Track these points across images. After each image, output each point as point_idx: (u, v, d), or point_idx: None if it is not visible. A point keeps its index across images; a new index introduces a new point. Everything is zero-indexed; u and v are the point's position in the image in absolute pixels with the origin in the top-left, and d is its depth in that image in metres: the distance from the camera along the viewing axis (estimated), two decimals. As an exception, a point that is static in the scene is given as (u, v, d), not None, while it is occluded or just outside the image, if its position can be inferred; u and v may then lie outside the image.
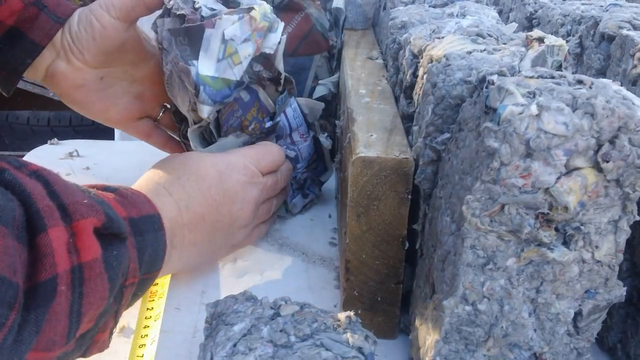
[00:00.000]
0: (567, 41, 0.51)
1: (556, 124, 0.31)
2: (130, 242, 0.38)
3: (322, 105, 0.61)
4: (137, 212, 0.41)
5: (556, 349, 0.37)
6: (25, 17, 0.52)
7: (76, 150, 0.77)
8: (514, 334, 0.36)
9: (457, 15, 0.51)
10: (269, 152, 0.56)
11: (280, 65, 0.54)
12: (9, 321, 0.29)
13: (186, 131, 0.56)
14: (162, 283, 0.53)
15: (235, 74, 0.51)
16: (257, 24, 0.50)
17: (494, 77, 0.35)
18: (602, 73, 0.46)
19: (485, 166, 0.33)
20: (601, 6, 0.52)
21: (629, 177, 0.32)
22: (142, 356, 0.44)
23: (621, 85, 0.42)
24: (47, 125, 1.75)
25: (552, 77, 0.35)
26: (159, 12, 0.53)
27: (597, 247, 0.34)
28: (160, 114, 0.63)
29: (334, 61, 0.68)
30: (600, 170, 0.32)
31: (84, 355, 0.38)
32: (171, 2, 0.50)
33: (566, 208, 0.33)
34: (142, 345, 0.46)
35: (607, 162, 0.32)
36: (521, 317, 0.36)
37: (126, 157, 0.77)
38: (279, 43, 0.52)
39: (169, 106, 0.62)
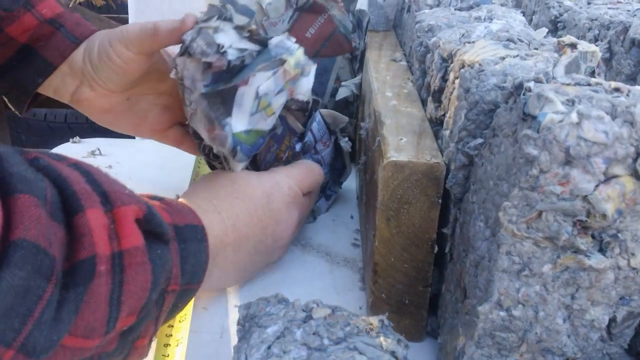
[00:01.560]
0: (596, 46, 0.51)
1: (596, 132, 0.31)
2: (174, 246, 0.38)
3: (345, 119, 0.60)
4: (182, 221, 0.41)
5: (589, 355, 0.37)
6: (39, 35, 0.52)
7: (98, 149, 0.78)
8: (548, 339, 0.36)
9: (484, 19, 0.51)
10: (311, 173, 0.56)
11: (309, 94, 0.52)
12: (46, 294, 0.29)
13: (208, 150, 0.53)
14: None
15: (269, 124, 0.50)
16: (291, 75, 0.48)
17: (531, 84, 0.35)
18: (632, 79, 0.45)
19: (523, 173, 0.33)
20: (628, 11, 0.52)
21: (668, 185, 0.32)
22: (167, 355, 0.45)
23: (653, 91, 0.42)
24: (64, 122, 1.74)
25: (589, 85, 0.35)
26: None
27: (633, 254, 0.34)
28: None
29: (357, 63, 0.68)
30: (638, 178, 0.32)
31: None
32: (193, 45, 0.46)
33: (604, 215, 0.33)
34: (167, 344, 0.46)
35: (646, 170, 0.32)
36: (555, 323, 0.36)
37: (148, 155, 0.78)
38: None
39: None
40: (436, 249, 0.45)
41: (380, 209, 0.44)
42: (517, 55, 0.40)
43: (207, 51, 0.46)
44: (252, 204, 0.50)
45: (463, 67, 0.42)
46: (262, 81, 0.47)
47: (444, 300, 0.45)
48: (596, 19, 0.52)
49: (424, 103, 0.52)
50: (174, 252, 0.38)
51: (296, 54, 0.48)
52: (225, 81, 0.47)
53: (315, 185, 0.57)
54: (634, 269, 0.34)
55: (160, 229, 0.37)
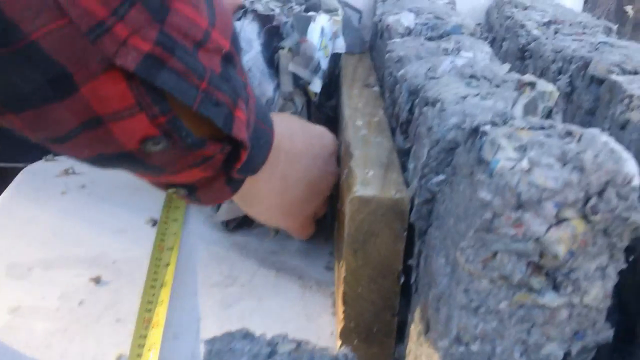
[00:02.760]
0: (558, 79, 0.52)
1: (547, 179, 0.32)
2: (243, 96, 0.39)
3: None
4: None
5: (545, 388, 0.38)
6: None
7: (72, 168, 0.78)
8: (505, 373, 0.37)
9: (452, 51, 0.53)
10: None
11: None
12: None
13: None
14: (157, 312, 0.54)
15: (325, 64, 0.60)
16: (338, 23, 0.61)
17: (487, 127, 0.36)
18: (591, 114, 0.47)
19: (478, 216, 0.34)
20: (591, 43, 0.53)
21: (617, 228, 0.33)
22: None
23: (610, 129, 0.44)
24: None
25: (543, 128, 0.36)
26: None
27: (585, 292, 0.35)
28: None
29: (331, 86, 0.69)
30: (589, 221, 0.33)
31: (225, 124, 0.37)
32: (254, 5, 0.59)
33: (556, 257, 0.34)
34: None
35: (596, 214, 0.33)
36: (513, 357, 0.37)
37: (123, 175, 0.77)
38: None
39: None
40: (402, 279, 0.46)
41: (347, 241, 0.45)
42: (477, 94, 0.42)
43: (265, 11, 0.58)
44: (308, 132, 0.52)
45: (426, 104, 0.43)
46: (324, 21, 0.58)
47: (409, 331, 0.46)
48: (560, 51, 0.54)
49: (393, 132, 0.53)
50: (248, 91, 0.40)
51: (339, 12, 0.62)
52: (277, 40, 0.58)
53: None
54: (586, 306, 0.36)
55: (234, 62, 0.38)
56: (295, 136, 0.50)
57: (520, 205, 0.33)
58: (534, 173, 0.32)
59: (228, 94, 0.36)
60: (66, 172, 0.78)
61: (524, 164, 0.32)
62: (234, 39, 0.38)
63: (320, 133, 0.55)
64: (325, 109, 0.66)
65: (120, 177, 0.78)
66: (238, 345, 0.41)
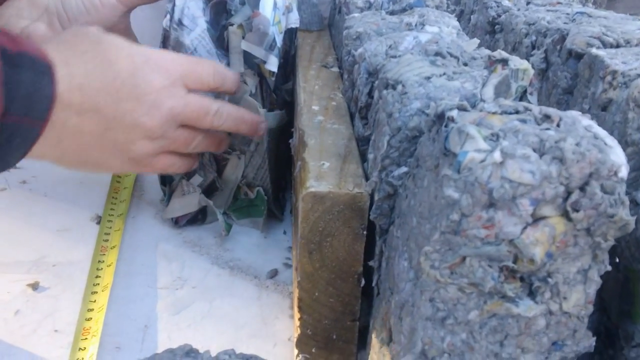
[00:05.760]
0: (531, 54, 0.47)
1: (522, 172, 0.28)
2: None
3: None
4: (16, 47, 0.36)
5: (522, 403, 0.34)
6: None
7: (12, 162, 0.71)
8: (477, 390, 0.33)
9: (415, 26, 0.48)
10: (200, 66, 0.48)
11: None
12: None
13: None
14: (96, 319, 0.49)
15: (279, 41, 0.55)
16: (287, 2, 0.56)
17: (454, 113, 0.31)
18: (569, 92, 0.43)
19: (444, 216, 0.30)
20: (567, 14, 0.49)
21: (601, 226, 0.29)
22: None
23: (590, 110, 0.40)
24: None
25: (517, 112, 0.32)
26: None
27: (565, 298, 0.31)
28: None
29: (287, 66, 0.63)
30: (569, 219, 0.29)
31: None
32: None
33: (532, 260, 0.30)
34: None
35: (577, 211, 0.29)
36: (484, 372, 0.33)
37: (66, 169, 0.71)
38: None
39: None
40: (363, 282, 0.41)
41: (301, 242, 0.40)
42: (443, 74, 0.37)
43: None
44: (112, 71, 0.42)
45: (386, 87, 0.38)
46: None
47: (371, 339, 0.41)
48: (533, 24, 0.49)
49: (352, 117, 0.48)
50: None
51: None
52: (225, 16, 0.54)
53: (204, 84, 0.48)
54: (566, 313, 0.32)
55: None
56: (89, 84, 0.41)
57: (491, 204, 0.28)
58: (508, 166, 0.28)
59: None
60: (5, 164, 0.71)
61: (496, 156, 0.28)
62: None
63: (146, 61, 0.44)
64: (281, 93, 0.60)
65: (64, 172, 0.72)
66: (178, 364, 0.36)
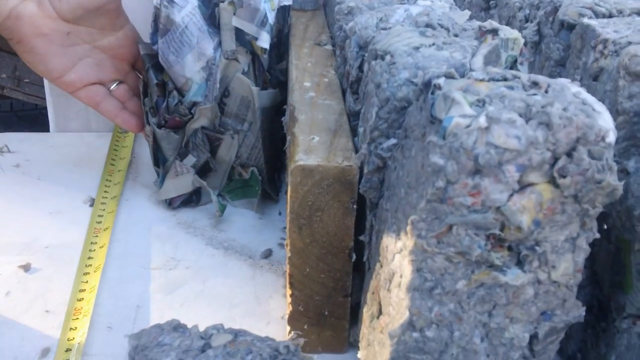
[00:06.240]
0: (525, 28, 0.47)
1: (507, 138, 0.27)
2: None
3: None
4: None
5: (511, 374, 0.34)
6: None
7: (6, 146, 0.71)
8: (466, 360, 0.33)
9: (408, 0, 0.47)
10: None
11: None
12: None
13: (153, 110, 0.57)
14: (88, 299, 0.48)
15: (270, 19, 0.54)
16: None
17: (441, 81, 0.31)
18: (561, 64, 0.42)
19: (430, 184, 0.29)
20: (561, -12, 0.48)
21: (588, 192, 0.29)
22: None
23: (581, 80, 0.39)
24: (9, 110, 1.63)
25: (505, 79, 0.31)
26: None
27: (553, 267, 0.31)
28: (114, 86, 0.60)
29: (280, 47, 0.63)
30: (557, 185, 0.29)
31: None
32: None
33: (519, 228, 0.29)
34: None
35: (565, 177, 0.28)
36: (473, 342, 0.33)
37: (61, 151, 0.71)
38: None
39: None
40: (354, 257, 0.41)
41: (291, 217, 0.39)
42: (432, 45, 0.36)
43: None
44: None
45: (375, 58, 0.37)
46: None
47: (362, 313, 0.41)
48: (527, -2, 0.48)
49: (344, 93, 0.48)
50: None
51: None
52: None
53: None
54: (555, 282, 0.31)
55: None
56: None
57: (477, 170, 0.28)
58: (493, 131, 0.27)
59: None
60: (0, 150, 0.71)
61: (482, 121, 0.27)
62: None
63: None
64: (275, 73, 0.60)
65: (58, 155, 0.72)
66: (167, 339, 0.36)
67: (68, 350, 0.44)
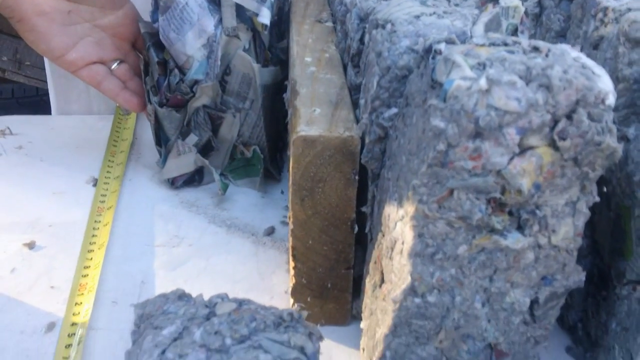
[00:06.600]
0: (526, 0, 0.47)
1: (508, 100, 0.28)
2: None
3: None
4: None
5: (512, 339, 0.34)
6: None
7: (8, 128, 0.71)
8: (467, 325, 0.33)
9: (408, -26, 0.47)
10: None
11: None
12: None
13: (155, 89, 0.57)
14: (93, 276, 0.49)
15: None
16: None
17: (442, 46, 0.31)
18: (562, 35, 0.42)
19: (431, 148, 0.29)
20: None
21: (588, 155, 0.29)
22: (67, 357, 0.41)
23: (582, 50, 0.39)
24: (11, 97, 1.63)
25: (506, 44, 0.31)
26: None
27: (554, 231, 0.31)
28: (114, 65, 0.60)
29: (281, 25, 0.63)
30: (556, 148, 0.29)
31: None
32: None
33: (520, 191, 0.30)
34: (69, 345, 0.42)
35: (564, 139, 0.29)
36: (474, 307, 0.33)
37: (64, 133, 0.72)
38: None
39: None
40: (356, 229, 0.41)
41: (293, 188, 0.40)
42: (433, 13, 0.36)
43: None
44: None
45: (376, 27, 0.38)
46: None
47: (364, 284, 0.42)
48: (528, -28, 0.48)
49: (345, 69, 0.48)
50: None
51: None
52: None
53: None
54: (555, 246, 0.32)
55: None
56: None
57: (478, 133, 0.28)
58: (494, 93, 0.28)
59: None
60: (2, 133, 0.71)
61: (482, 83, 0.27)
62: None
63: None
64: (275, 51, 0.60)
65: (60, 137, 0.72)
66: (172, 307, 0.36)
67: (74, 324, 0.45)
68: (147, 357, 0.32)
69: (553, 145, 0.29)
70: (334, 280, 0.43)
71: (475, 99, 0.28)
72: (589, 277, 0.37)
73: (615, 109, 0.36)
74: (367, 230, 0.41)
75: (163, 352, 0.33)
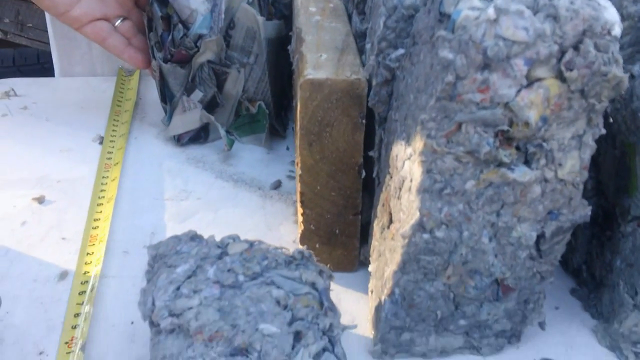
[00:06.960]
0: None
1: (516, 30, 0.28)
2: None
3: None
4: None
5: (518, 274, 0.35)
6: None
7: (12, 90, 0.71)
8: (474, 260, 0.34)
9: None
10: None
11: None
12: None
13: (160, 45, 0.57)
14: (103, 227, 0.50)
15: None
16: None
17: (449, -19, 0.31)
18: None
19: (440, 81, 0.30)
20: None
21: (595, 86, 0.29)
22: (81, 303, 0.42)
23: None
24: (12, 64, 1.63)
25: (513, -21, 0.31)
26: None
27: (560, 164, 0.32)
28: (118, 22, 0.60)
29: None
30: (563, 80, 0.29)
31: None
32: None
33: (527, 124, 0.30)
34: (82, 292, 0.43)
35: (571, 70, 0.29)
36: (481, 242, 0.34)
37: (67, 94, 0.72)
38: None
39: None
40: (364, 174, 0.42)
41: (300, 133, 0.40)
42: (439, -47, 0.36)
43: None
44: None
45: (382, -31, 0.37)
46: None
47: (372, 227, 0.42)
48: None
49: (350, 18, 0.48)
50: None
51: None
52: None
53: None
54: (561, 180, 0.32)
55: None
56: None
57: (486, 65, 0.29)
58: (502, 23, 0.28)
59: None
60: (6, 94, 0.71)
61: (490, 12, 0.28)
62: None
63: None
64: (279, 6, 0.59)
65: (64, 97, 0.72)
66: (185, 247, 0.37)
67: (86, 272, 0.45)
68: (162, 294, 0.33)
69: (560, 77, 0.29)
70: (341, 226, 0.44)
71: (483, 29, 0.28)
72: (593, 219, 0.38)
73: (620, 47, 0.36)
74: (374, 174, 0.42)
75: (178, 288, 0.33)
